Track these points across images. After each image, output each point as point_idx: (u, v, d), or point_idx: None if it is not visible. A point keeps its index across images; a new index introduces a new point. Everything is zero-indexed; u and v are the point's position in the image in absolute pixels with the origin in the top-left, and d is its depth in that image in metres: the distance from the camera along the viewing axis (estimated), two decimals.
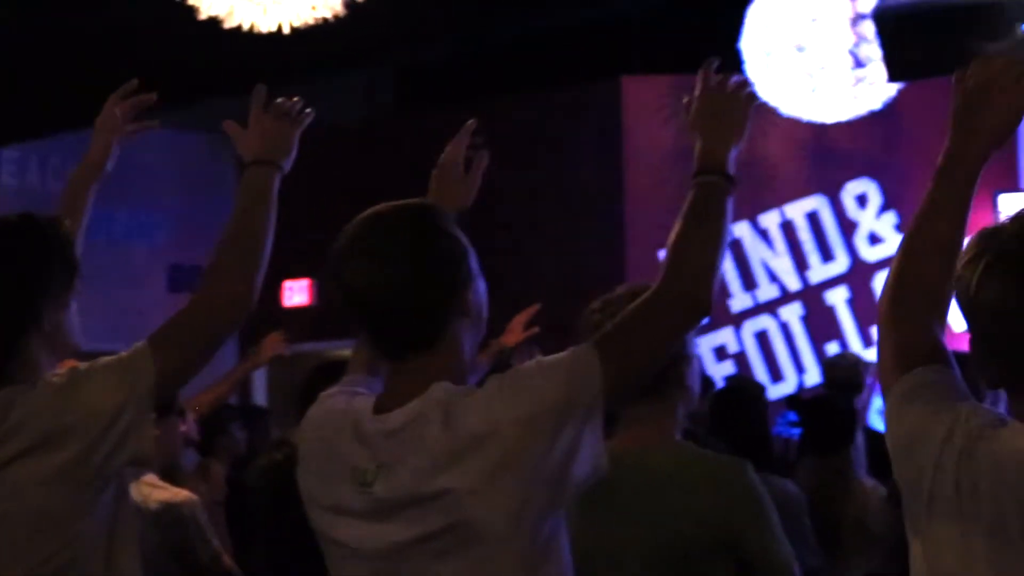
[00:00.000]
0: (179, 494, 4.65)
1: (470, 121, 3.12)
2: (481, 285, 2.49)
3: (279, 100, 2.99)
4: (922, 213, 2.32)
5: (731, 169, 2.60)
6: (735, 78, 2.72)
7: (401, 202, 2.48)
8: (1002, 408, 2.06)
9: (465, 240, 2.47)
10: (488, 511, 2.26)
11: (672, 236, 2.50)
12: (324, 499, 2.45)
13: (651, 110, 10.44)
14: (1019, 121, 2.32)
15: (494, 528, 2.27)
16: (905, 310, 2.23)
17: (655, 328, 2.43)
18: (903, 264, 2.28)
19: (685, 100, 2.72)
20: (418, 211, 2.47)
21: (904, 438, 2.12)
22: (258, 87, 2.98)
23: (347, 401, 2.52)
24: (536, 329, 5.14)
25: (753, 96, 2.72)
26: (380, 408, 2.41)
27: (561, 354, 2.42)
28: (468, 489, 2.26)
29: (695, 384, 3.14)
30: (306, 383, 4.73)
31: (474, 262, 2.47)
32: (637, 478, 3.01)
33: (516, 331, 5.13)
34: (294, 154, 2.98)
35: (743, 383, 7.04)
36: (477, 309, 2.47)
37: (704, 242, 2.48)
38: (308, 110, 3.01)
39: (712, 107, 2.66)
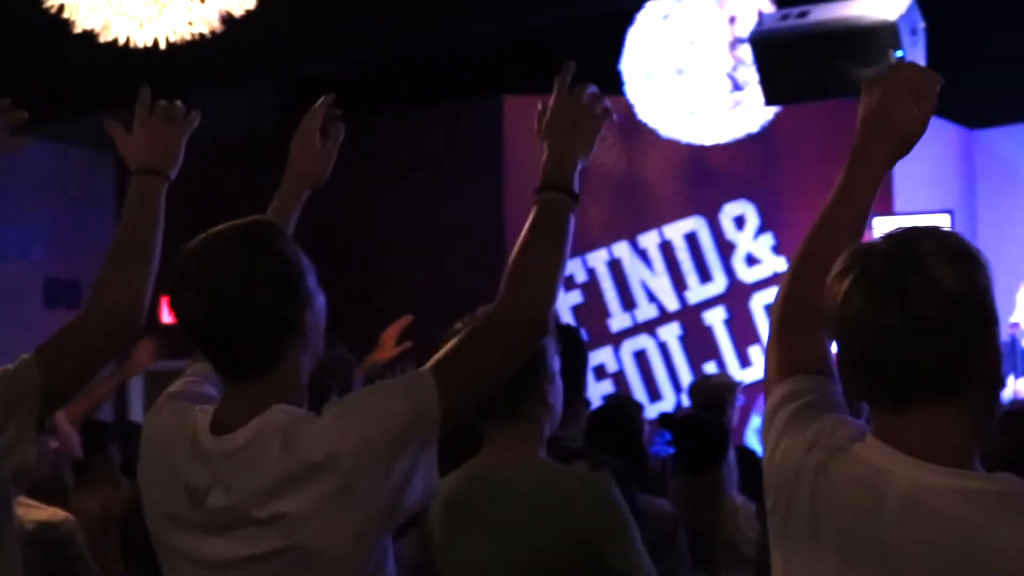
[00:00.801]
0: (56, 514, 4.56)
1: (327, 95, 3.09)
2: (320, 302, 2.45)
3: (163, 103, 2.95)
4: (826, 210, 2.32)
5: (576, 185, 2.59)
6: (590, 90, 2.73)
7: (235, 224, 2.42)
8: None
9: (301, 258, 2.42)
10: (324, 537, 2.24)
11: (514, 252, 2.50)
12: (160, 505, 2.42)
13: (532, 129, 10.44)
14: (920, 129, 2.33)
15: (330, 553, 2.25)
16: (794, 320, 2.23)
17: (493, 350, 2.42)
18: (796, 275, 2.29)
19: (539, 108, 2.71)
20: (251, 234, 2.41)
21: (772, 448, 2.12)
22: (142, 90, 2.94)
23: (187, 409, 2.46)
24: (409, 344, 5.13)
25: (608, 111, 2.71)
26: (218, 426, 2.36)
27: (399, 379, 2.42)
28: (305, 514, 2.24)
29: (558, 402, 3.14)
30: None
31: (312, 280, 2.43)
32: (502, 496, 3.01)
33: (388, 346, 5.11)
34: (180, 161, 2.94)
35: (621, 402, 7.07)
36: (315, 328, 2.43)
37: (544, 262, 2.48)
38: (193, 113, 2.97)
39: (564, 118, 2.66)
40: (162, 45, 6.18)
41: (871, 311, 1.89)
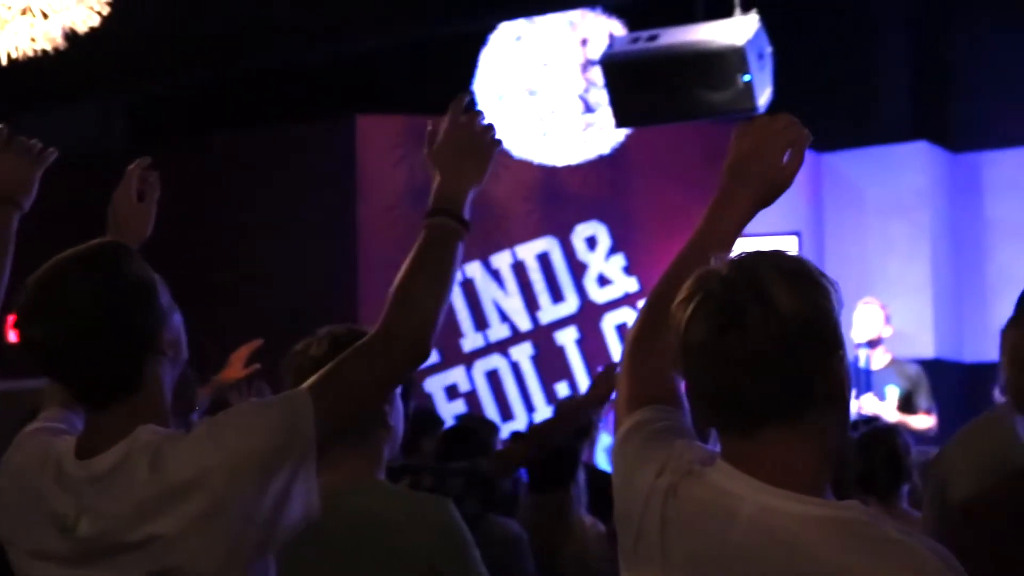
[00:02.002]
0: None
1: (141, 159, 3.06)
2: (177, 319, 2.43)
3: (20, 138, 2.92)
4: (683, 256, 2.34)
5: (466, 212, 2.59)
6: (483, 118, 2.73)
7: (82, 248, 2.39)
8: None
9: (153, 276, 2.39)
10: (196, 558, 2.21)
11: (399, 277, 2.48)
12: (23, 543, 2.37)
13: (385, 149, 10.44)
14: (787, 182, 2.39)
15: (202, 574, 2.22)
16: (647, 348, 2.24)
17: (373, 372, 2.40)
18: (648, 312, 2.30)
19: (429, 129, 2.70)
20: (99, 256, 2.37)
21: (622, 474, 2.12)
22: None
23: (48, 442, 2.42)
24: (257, 366, 5.08)
25: (498, 142, 2.71)
26: (83, 451, 2.33)
27: (274, 397, 2.39)
28: (176, 535, 2.20)
29: (399, 424, 3.14)
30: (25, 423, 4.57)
31: (165, 297, 2.40)
32: (341, 518, 2.99)
33: (236, 367, 5.06)
34: (34, 194, 2.90)
35: (473, 422, 7.08)
36: (174, 345, 2.41)
37: (430, 287, 2.46)
38: (51, 149, 2.93)
39: (457, 144, 2.66)
40: (3, 61, 6.07)
41: (712, 339, 1.90)
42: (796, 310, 1.89)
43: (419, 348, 2.42)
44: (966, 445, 3.15)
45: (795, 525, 1.86)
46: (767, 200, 2.38)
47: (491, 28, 9.37)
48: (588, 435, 6.16)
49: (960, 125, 12.07)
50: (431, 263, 2.49)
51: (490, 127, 2.71)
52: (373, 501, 3.03)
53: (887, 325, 8.39)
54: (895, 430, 4.85)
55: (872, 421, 7.66)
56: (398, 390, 3.09)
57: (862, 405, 8.02)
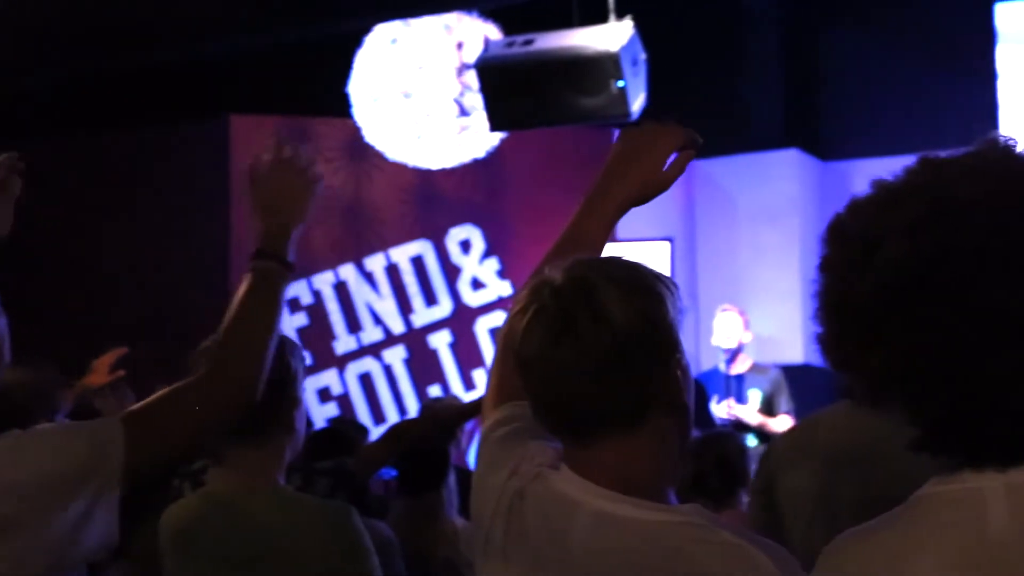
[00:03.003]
0: None
1: (11, 153, 3.00)
2: (2, 324, 2.38)
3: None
4: (554, 252, 2.33)
5: (290, 254, 2.59)
6: (305, 154, 2.73)
7: None
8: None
9: None
10: None
11: (226, 320, 2.47)
12: None
13: (259, 149, 10.29)
14: (663, 187, 2.41)
15: None
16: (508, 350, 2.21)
17: (195, 412, 2.38)
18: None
19: (250, 170, 2.70)
20: None
21: (479, 474, 2.13)
22: None
23: None
24: (122, 372, 5.00)
25: (319, 180, 2.72)
26: None
27: (87, 423, 2.35)
28: None
29: (302, 426, 3.11)
30: None
31: None
32: (242, 523, 2.96)
33: (101, 373, 4.98)
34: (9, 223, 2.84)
35: (342, 425, 7.05)
36: None
37: (255, 331, 2.47)
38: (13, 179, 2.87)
39: (278, 185, 2.67)
40: None
41: (547, 349, 1.91)
42: (628, 319, 1.89)
43: (245, 391, 2.41)
44: (794, 438, 3.20)
45: (631, 530, 1.86)
46: (640, 200, 2.40)
47: (366, 30, 9.33)
48: (453, 436, 6.16)
49: (830, 133, 12.26)
50: (256, 307, 2.50)
51: (310, 166, 2.71)
52: (272, 507, 3.00)
53: (747, 331, 8.50)
54: (728, 436, 4.91)
55: (735, 425, 7.79)
56: (303, 391, 3.07)
57: (726, 410, 8.11)
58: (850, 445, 2.88)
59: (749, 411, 8.12)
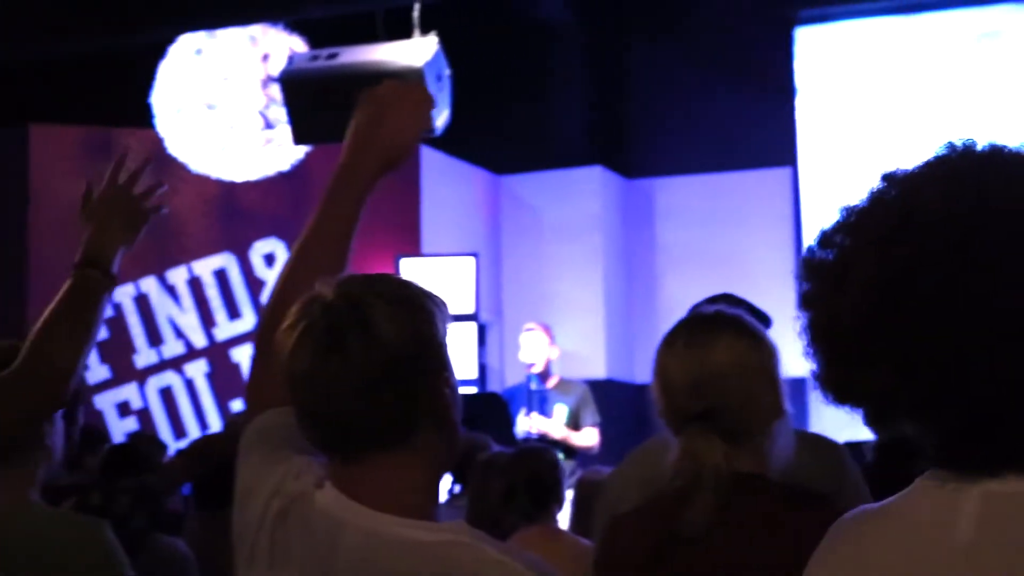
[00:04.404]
0: None
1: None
2: None
3: None
4: (304, 239, 2.30)
5: (115, 268, 2.57)
6: (147, 180, 2.72)
7: None
8: None
9: None
10: None
11: (40, 322, 2.44)
12: None
13: (59, 160, 10.16)
14: (411, 144, 2.37)
15: None
16: (272, 348, 2.13)
17: (2, 407, 2.35)
18: (276, 302, 2.25)
19: (87, 187, 2.70)
20: None
21: (242, 488, 2.09)
22: None
23: None
24: None
25: (156, 210, 2.74)
26: None
27: None
28: None
29: (58, 443, 3.06)
30: None
31: None
32: None
33: None
34: None
35: (139, 440, 6.95)
36: None
37: (70, 336, 2.45)
38: None
39: (113, 204, 2.67)
40: None
41: (315, 366, 1.89)
42: (397, 336, 1.89)
43: (54, 396, 2.39)
44: (633, 468, 3.24)
45: (398, 549, 1.86)
46: (392, 164, 2.37)
47: (171, 40, 9.21)
48: None
49: (633, 151, 12.46)
50: (74, 312, 2.48)
51: (148, 194, 2.70)
52: (25, 525, 2.94)
53: (552, 347, 8.57)
54: (542, 451, 4.92)
55: (540, 440, 7.85)
56: (59, 411, 3.01)
57: (532, 424, 8.17)
58: None
59: (554, 425, 8.19)
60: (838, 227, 1.56)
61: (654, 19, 12.38)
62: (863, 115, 11.62)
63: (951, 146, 1.54)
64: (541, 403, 8.30)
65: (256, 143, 9.10)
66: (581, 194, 11.78)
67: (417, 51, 6.98)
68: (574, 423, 8.28)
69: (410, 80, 2.45)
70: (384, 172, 2.37)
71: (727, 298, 3.28)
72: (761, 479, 2.41)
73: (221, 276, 10.54)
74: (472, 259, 10.38)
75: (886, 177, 1.55)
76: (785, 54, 11.87)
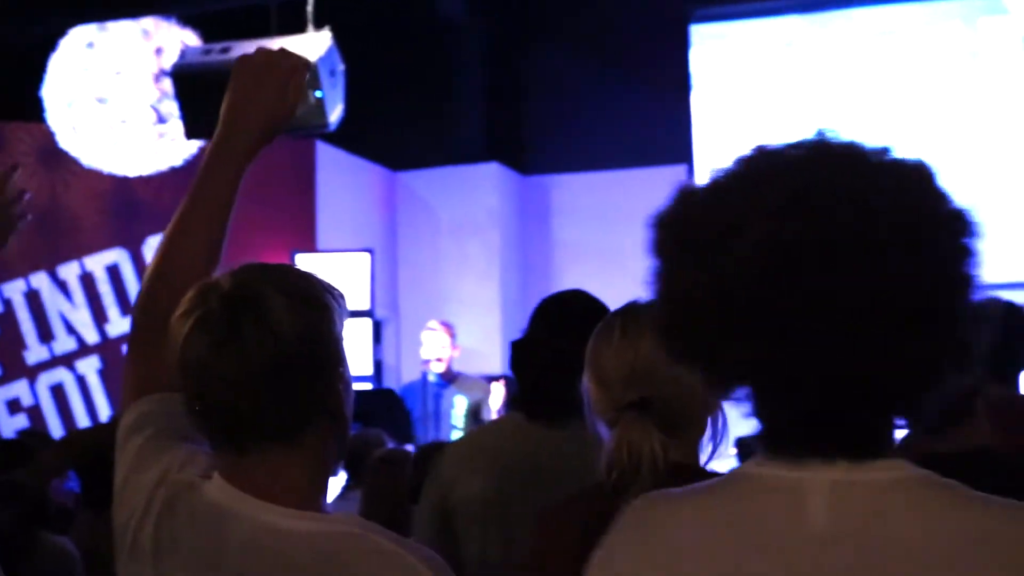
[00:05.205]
0: None
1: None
2: None
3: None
4: (180, 216, 2.25)
5: None
6: (11, 189, 2.69)
7: None
8: None
9: None
10: None
11: None
12: None
13: None
14: (287, 111, 2.31)
15: None
16: (148, 333, 2.14)
17: None
18: (152, 283, 2.21)
19: None
20: None
21: (122, 476, 2.05)
22: None
23: None
24: None
25: (22, 217, 2.72)
26: None
27: None
28: None
29: None
30: None
31: None
32: None
33: None
34: None
35: (25, 438, 6.85)
36: None
37: None
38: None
39: None
40: None
41: (209, 356, 1.87)
42: (293, 329, 1.88)
43: None
44: (473, 447, 3.27)
45: (287, 541, 1.85)
46: (268, 136, 2.32)
47: (62, 32, 9.10)
48: None
49: (530, 148, 12.49)
50: None
51: (16, 199, 2.68)
52: None
53: (454, 344, 8.57)
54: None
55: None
56: None
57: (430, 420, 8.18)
58: (521, 455, 2.96)
59: (455, 421, 8.20)
60: (717, 187, 1.54)
61: (551, 17, 12.43)
62: (757, 113, 11.72)
63: (821, 133, 1.54)
64: (437, 399, 8.30)
65: (149, 137, 9.02)
66: (478, 190, 11.78)
67: (310, 46, 6.98)
68: (474, 419, 8.29)
69: (279, 48, 2.37)
70: (261, 145, 2.31)
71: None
72: (697, 469, 2.41)
73: (114, 272, 10.43)
74: (368, 255, 10.35)
75: (761, 151, 1.54)
76: (680, 53, 11.95)
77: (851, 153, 1.52)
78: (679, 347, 1.56)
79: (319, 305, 1.94)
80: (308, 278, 1.98)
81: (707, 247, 1.49)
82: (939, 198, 1.50)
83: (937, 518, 1.45)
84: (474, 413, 8.33)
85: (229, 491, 1.91)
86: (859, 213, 1.44)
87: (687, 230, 1.53)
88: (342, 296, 1.99)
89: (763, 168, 1.52)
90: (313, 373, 1.91)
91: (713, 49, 11.98)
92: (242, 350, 1.86)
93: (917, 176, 1.51)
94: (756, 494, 1.51)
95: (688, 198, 1.56)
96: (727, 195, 1.51)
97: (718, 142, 11.81)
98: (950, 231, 1.48)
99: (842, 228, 1.43)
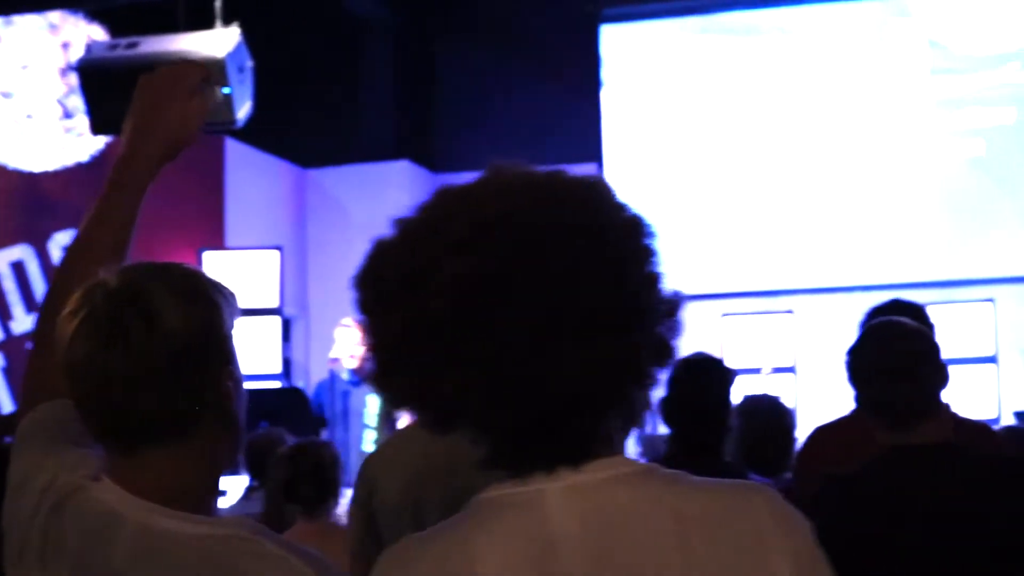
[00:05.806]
0: None
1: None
2: None
3: None
4: (86, 226, 2.24)
5: None
6: None
7: None
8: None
9: None
10: None
11: None
12: None
13: None
14: (191, 129, 2.31)
15: None
16: (47, 340, 2.07)
17: None
18: (53, 295, 2.18)
19: None
20: None
21: (15, 481, 2.02)
22: None
23: None
24: None
25: None
26: None
27: None
28: None
29: None
30: None
31: None
32: None
33: None
34: None
35: None
36: None
37: None
38: None
39: None
40: None
41: (95, 356, 1.84)
42: (180, 327, 1.86)
43: None
44: (396, 449, 3.29)
45: (176, 544, 1.84)
46: (172, 152, 2.31)
47: None
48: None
49: (441, 146, 12.51)
50: None
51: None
52: None
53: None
54: (324, 444, 4.93)
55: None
56: None
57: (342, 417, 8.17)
58: (437, 458, 2.97)
59: (369, 419, 8.19)
60: (405, 236, 1.59)
61: (462, 15, 12.44)
62: (667, 113, 11.82)
63: (497, 166, 1.63)
64: (345, 398, 8.28)
65: (55, 133, 8.93)
66: (388, 188, 11.76)
67: (219, 42, 6.91)
68: (387, 417, 8.28)
69: (186, 63, 2.36)
70: (165, 161, 2.30)
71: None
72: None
73: (18, 268, 10.31)
74: (277, 252, 10.29)
75: (442, 192, 1.61)
76: (591, 52, 12.03)
77: (528, 180, 1.61)
78: (394, 392, 1.61)
79: (207, 302, 1.92)
80: (196, 275, 1.96)
81: (401, 293, 1.55)
82: (616, 208, 1.60)
83: (657, 502, 1.53)
84: (387, 413, 8.32)
85: (117, 493, 1.89)
86: (536, 236, 1.52)
87: (381, 282, 1.59)
88: (232, 294, 1.97)
89: (446, 206, 1.59)
90: (200, 371, 1.89)
91: (623, 48, 12.06)
92: (128, 349, 1.84)
93: (595, 192, 1.62)
94: (501, 511, 1.56)
95: (379, 250, 1.61)
96: (414, 239, 1.57)
97: (628, 140, 11.89)
98: (628, 235, 1.58)
99: (519, 253, 1.51)
